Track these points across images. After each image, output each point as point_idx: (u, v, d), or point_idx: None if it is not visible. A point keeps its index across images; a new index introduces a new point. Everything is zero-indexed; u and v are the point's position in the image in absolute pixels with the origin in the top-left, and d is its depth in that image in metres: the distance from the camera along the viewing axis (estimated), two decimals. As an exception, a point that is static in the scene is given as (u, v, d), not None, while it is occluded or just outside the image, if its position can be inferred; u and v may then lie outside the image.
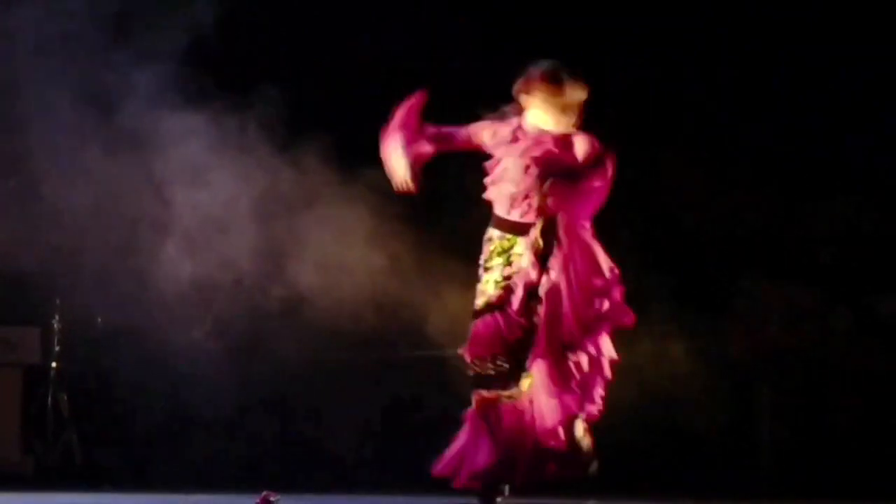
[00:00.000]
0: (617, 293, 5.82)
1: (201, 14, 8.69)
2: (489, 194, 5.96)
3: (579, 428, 5.81)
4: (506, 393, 5.80)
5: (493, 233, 5.92)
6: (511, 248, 5.85)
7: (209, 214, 8.82)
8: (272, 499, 6.82)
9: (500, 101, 6.08)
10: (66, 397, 10.10)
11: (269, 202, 9.00)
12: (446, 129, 6.03)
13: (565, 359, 5.77)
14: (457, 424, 6.05)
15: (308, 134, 8.91)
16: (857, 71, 9.90)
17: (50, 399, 10.07)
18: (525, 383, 5.82)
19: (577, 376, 5.79)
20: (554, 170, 5.80)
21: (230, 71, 9.14)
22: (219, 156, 8.66)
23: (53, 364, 10.12)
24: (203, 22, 8.71)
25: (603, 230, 9.66)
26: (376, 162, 6.28)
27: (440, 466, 5.93)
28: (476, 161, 6.15)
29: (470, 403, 5.98)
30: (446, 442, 6.04)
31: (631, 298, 9.86)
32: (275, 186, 8.92)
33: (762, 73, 10.12)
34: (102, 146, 8.66)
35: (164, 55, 8.53)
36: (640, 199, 10.09)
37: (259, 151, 8.79)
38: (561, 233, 5.80)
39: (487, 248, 5.92)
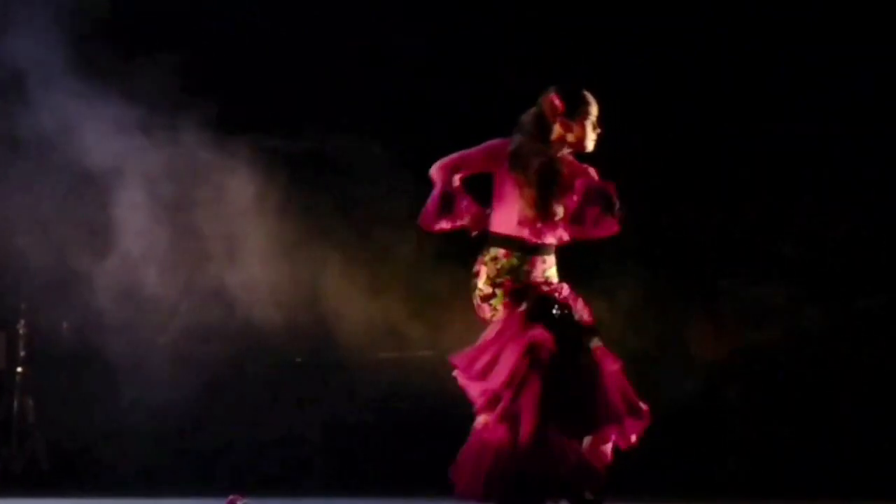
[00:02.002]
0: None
1: None
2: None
3: None
4: None
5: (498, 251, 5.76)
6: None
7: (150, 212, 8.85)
8: (239, 503, 6.80)
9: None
10: (32, 403, 10.06)
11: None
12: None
13: None
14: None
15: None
16: (838, 73, 9.91)
17: (16, 404, 10.03)
18: None
19: None
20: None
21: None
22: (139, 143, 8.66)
23: (19, 369, 10.07)
24: None
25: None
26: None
27: None
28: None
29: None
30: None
31: (604, 297, 9.97)
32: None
33: (738, 77, 10.11)
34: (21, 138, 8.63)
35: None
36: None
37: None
38: None
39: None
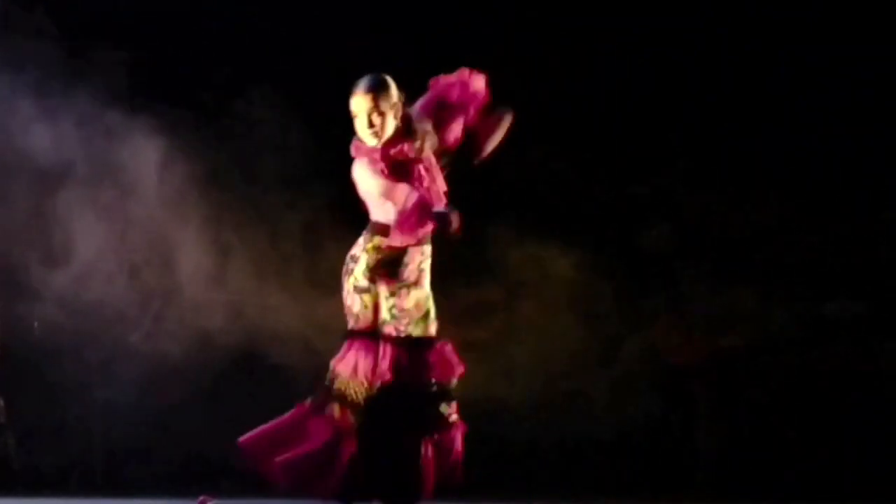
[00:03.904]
0: None
1: None
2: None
3: None
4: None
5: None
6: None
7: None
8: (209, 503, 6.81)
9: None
10: (2, 402, 10.04)
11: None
12: None
13: None
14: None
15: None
16: (806, 71, 9.95)
17: (-13, 404, 10.02)
18: None
19: None
20: None
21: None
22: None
23: (-10, 369, 10.06)
24: None
25: (543, 231, 9.79)
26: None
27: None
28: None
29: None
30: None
31: (572, 302, 9.99)
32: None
33: (705, 78, 10.14)
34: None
35: None
36: (579, 203, 10.13)
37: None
38: None
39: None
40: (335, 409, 5.53)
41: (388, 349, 5.56)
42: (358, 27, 9.80)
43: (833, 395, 9.95)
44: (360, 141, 5.67)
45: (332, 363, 5.58)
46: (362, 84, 5.63)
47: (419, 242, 5.57)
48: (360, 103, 5.60)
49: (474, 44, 9.34)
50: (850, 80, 9.88)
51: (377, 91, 5.59)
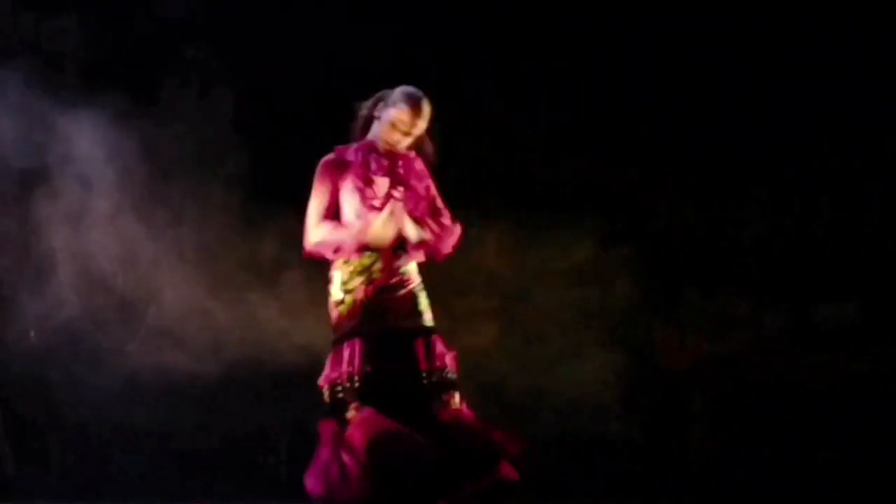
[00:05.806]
0: None
1: None
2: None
3: None
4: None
5: None
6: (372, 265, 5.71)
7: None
8: (204, 509, 6.85)
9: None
10: (-3, 410, 10.09)
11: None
12: None
13: None
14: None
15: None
16: (803, 73, 10.01)
17: (-20, 411, 10.05)
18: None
19: None
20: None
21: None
22: None
23: (-16, 377, 10.08)
24: None
25: (537, 236, 9.83)
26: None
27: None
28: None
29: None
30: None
31: (565, 307, 10.02)
32: None
33: (703, 79, 10.18)
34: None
35: None
36: (572, 208, 10.18)
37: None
38: None
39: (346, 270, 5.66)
40: (351, 413, 5.51)
41: (370, 342, 5.53)
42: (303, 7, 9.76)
43: (827, 398, 9.98)
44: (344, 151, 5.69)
45: (322, 377, 5.58)
46: (417, 102, 5.60)
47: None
48: (406, 118, 5.59)
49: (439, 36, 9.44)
50: (845, 84, 9.95)
51: (424, 115, 5.58)
